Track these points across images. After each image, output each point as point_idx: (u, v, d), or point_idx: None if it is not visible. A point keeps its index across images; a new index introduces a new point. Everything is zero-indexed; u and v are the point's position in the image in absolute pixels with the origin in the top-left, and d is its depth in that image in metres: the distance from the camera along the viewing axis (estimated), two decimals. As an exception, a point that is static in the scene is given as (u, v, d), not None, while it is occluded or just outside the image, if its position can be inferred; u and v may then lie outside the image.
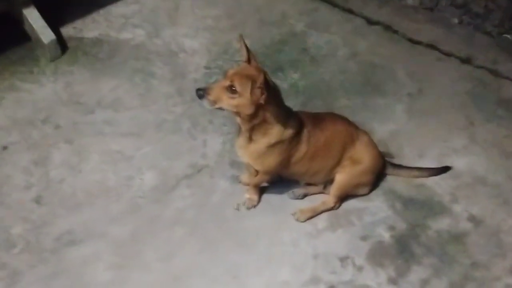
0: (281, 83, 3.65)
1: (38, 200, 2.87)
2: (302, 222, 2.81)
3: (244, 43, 2.36)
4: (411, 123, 3.41)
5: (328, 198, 2.84)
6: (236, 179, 3.02)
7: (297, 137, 2.57)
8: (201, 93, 2.27)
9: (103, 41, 3.93)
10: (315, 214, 2.83)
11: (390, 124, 3.39)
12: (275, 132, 2.46)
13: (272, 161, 2.58)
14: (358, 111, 3.42)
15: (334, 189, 2.80)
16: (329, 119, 2.77)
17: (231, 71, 2.31)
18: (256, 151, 2.54)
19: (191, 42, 3.99)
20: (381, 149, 3.11)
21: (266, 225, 2.82)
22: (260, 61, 3.79)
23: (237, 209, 2.89)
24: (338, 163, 2.75)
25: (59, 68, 3.69)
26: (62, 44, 3.82)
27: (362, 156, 2.75)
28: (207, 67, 3.78)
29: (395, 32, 4.12)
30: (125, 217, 2.82)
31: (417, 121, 3.43)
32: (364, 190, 2.89)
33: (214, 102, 2.29)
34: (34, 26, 3.68)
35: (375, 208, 2.91)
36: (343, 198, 2.88)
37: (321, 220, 2.84)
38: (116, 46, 3.90)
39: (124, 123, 3.35)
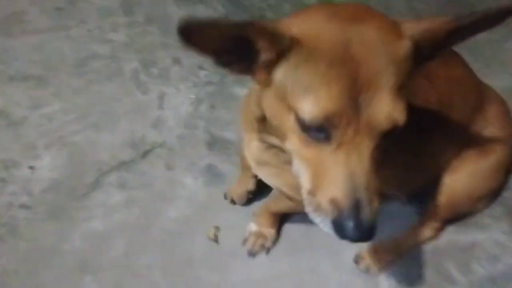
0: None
1: None
2: (375, 274, 1.37)
3: None
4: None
5: (424, 223, 1.39)
6: (214, 177, 1.54)
7: None
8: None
9: None
10: (399, 254, 1.39)
11: (502, 75, 1.87)
12: None
13: None
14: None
15: (441, 204, 1.32)
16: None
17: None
18: None
19: None
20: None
21: (273, 279, 1.36)
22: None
23: (215, 240, 1.42)
24: (456, 149, 1.25)
25: None
26: None
27: (498, 136, 1.26)
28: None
29: None
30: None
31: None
32: (484, 204, 1.43)
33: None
34: None
35: (492, 246, 1.45)
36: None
37: (388, 272, 1.38)
38: None
39: (21, 56, 1.85)
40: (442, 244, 1.43)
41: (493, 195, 1.39)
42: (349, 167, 0.71)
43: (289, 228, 1.46)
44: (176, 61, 1.88)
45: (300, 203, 1.08)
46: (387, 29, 0.72)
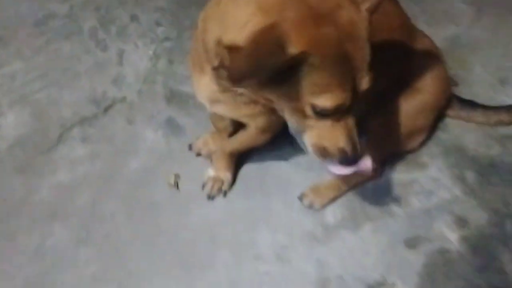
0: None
1: None
2: (318, 210, 1.51)
3: None
4: (482, 24, 2.00)
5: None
6: (174, 129, 1.63)
7: None
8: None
9: None
10: (340, 192, 1.53)
11: (447, 25, 1.96)
12: None
13: None
14: None
15: (373, 143, 1.40)
16: None
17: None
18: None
19: None
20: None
21: (229, 218, 1.49)
22: None
23: (175, 186, 1.54)
24: (383, 88, 1.35)
25: None
26: None
27: (424, 77, 1.38)
28: None
29: None
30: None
31: (492, 20, 2.01)
32: (416, 142, 1.56)
33: None
34: None
35: (428, 182, 1.59)
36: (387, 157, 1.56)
37: (333, 208, 1.52)
38: None
39: (-22, 18, 1.88)
40: (382, 182, 1.57)
41: (423, 133, 1.51)
42: (348, 127, 1.01)
43: (244, 172, 1.57)
44: (134, 18, 1.93)
45: (255, 131, 1.28)
46: (353, 12, 0.90)
